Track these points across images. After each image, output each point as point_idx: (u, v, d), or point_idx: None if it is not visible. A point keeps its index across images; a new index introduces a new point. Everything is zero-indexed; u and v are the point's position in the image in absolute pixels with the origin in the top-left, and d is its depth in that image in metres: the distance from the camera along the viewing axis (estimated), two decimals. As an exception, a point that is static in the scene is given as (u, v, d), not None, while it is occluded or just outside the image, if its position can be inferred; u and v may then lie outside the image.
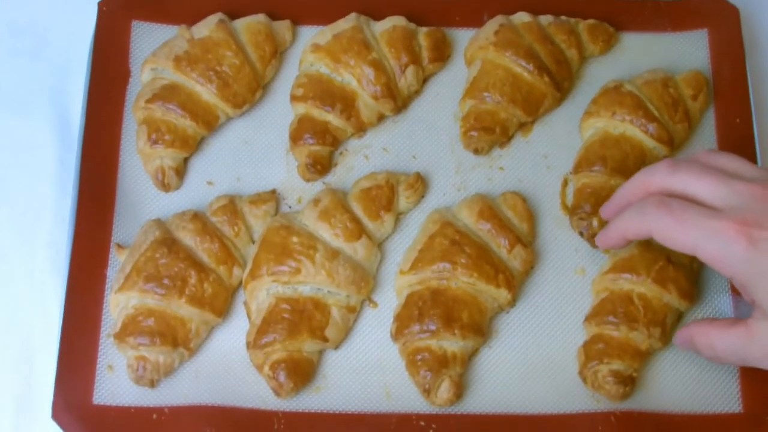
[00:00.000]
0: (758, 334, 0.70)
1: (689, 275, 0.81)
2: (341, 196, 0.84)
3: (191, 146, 0.87)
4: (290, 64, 0.92)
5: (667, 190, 0.72)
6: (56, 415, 0.78)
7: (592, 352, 0.80)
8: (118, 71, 0.90)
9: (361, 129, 0.89)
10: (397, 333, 0.80)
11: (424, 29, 0.91)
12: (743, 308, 0.82)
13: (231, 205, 0.84)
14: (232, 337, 0.82)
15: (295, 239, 0.81)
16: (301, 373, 0.79)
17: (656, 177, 0.72)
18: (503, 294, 0.80)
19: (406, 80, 0.88)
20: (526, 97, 0.87)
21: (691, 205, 0.69)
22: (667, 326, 0.80)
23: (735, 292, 0.83)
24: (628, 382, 0.78)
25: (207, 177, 0.88)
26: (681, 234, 0.68)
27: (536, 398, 0.80)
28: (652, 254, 0.81)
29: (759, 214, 0.67)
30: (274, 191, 0.87)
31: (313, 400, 0.80)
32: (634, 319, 0.79)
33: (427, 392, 0.78)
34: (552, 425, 0.79)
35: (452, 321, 0.78)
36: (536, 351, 0.82)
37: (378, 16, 0.91)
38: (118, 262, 0.83)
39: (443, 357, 0.78)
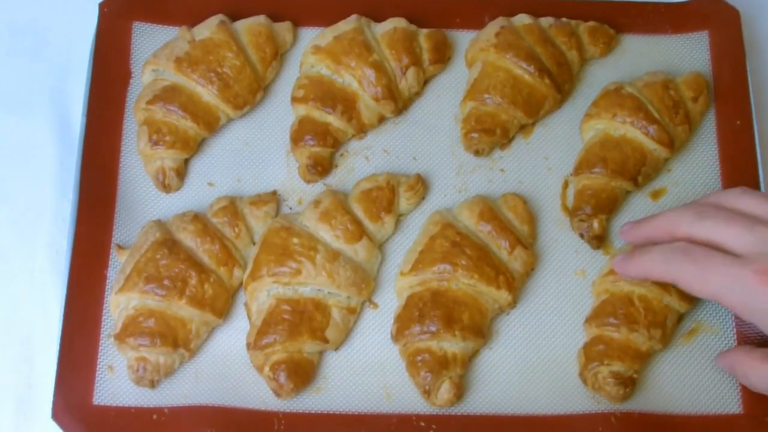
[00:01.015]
0: None
1: None
2: (342, 198, 0.84)
3: (192, 147, 0.87)
4: (291, 65, 0.92)
5: (692, 236, 0.74)
6: (56, 416, 0.78)
7: (593, 353, 0.79)
8: (119, 72, 0.90)
9: (361, 130, 0.89)
10: (398, 334, 0.80)
11: (424, 31, 0.91)
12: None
13: (232, 207, 0.84)
14: (232, 338, 0.82)
15: (295, 240, 0.81)
16: (302, 374, 0.79)
17: (684, 223, 0.75)
18: (504, 295, 0.80)
19: (407, 82, 0.88)
20: (527, 99, 0.87)
21: (715, 253, 0.71)
22: (667, 328, 0.80)
23: None
24: (629, 384, 0.78)
25: (208, 178, 0.88)
26: (704, 284, 0.71)
27: (536, 399, 0.80)
28: None
29: None
30: (274, 192, 0.87)
31: (313, 401, 0.80)
32: (635, 320, 0.79)
33: (427, 393, 0.78)
34: (552, 426, 0.79)
35: (453, 322, 0.78)
36: (536, 352, 0.82)
37: (379, 18, 0.91)
38: (118, 263, 0.83)
39: (443, 358, 0.78)
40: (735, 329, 0.82)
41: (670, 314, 0.80)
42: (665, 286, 0.79)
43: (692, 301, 0.81)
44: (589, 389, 0.80)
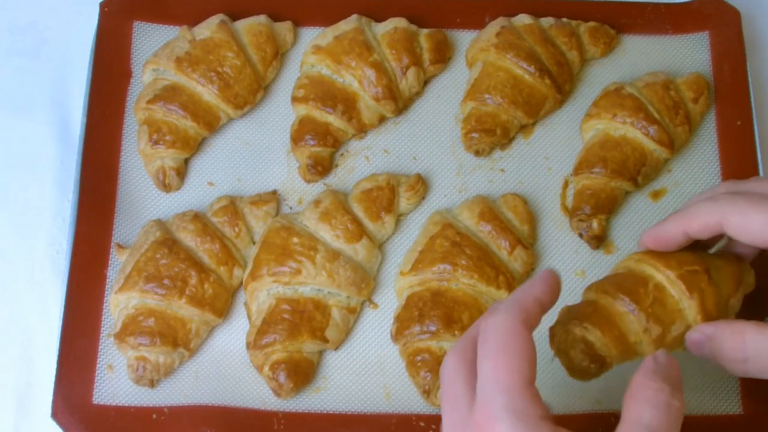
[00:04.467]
0: None
1: (720, 301, 0.67)
2: (342, 198, 0.84)
3: (192, 147, 0.87)
4: (291, 65, 0.92)
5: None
6: (56, 415, 0.78)
7: (576, 311, 0.67)
8: (120, 72, 0.90)
9: (362, 130, 0.89)
10: (398, 334, 0.80)
11: (425, 31, 0.91)
12: None
13: (232, 206, 0.84)
14: (232, 338, 0.82)
15: (295, 240, 0.81)
16: (301, 373, 0.79)
17: (719, 188, 0.67)
18: (504, 295, 0.80)
19: (407, 82, 0.88)
20: (527, 99, 0.87)
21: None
22: (668, 334, 0.66)
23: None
24: (596, 361, 0.64)
25: (208, 178, 0.88)
26: (760, 214, 0.61)
27: (536, 400, 0.80)
28: (692, 257, 0.68)
29: None
30: (274, 192, 0.87)
31: (313, 401, 0.80)
32: (639, 302, 0.65)
33: (426, 393, 0.78)
34: (552, 427, 0.79)
35: (452, 322, 0.78)
36: (537, 352, 0.82)
37: (379, 18, 0.91)
38: (118, 263, 0.83)
39: (443, 358, 0.78)
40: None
41: (679, 321, 0.66)
42: (691, 290, 0.66)
43: (711, 315, 0.66)
44: (552, 347, 0.66)
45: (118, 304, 0.81)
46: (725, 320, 0.65)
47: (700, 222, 0.63)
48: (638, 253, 0.69)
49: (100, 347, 0.81)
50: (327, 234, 0.82)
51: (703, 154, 0.89)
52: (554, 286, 0.61)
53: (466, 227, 0.83)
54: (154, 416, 0.79)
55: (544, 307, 0.60)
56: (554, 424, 0.54)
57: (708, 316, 0.65)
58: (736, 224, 0.62)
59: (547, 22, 0.91)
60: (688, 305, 0.66)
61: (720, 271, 0.67)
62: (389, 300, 0.83)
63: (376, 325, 0.83)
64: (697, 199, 0.67)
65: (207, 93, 0.87)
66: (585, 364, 0.64)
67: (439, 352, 0.78)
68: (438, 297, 0.80)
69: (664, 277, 0.66)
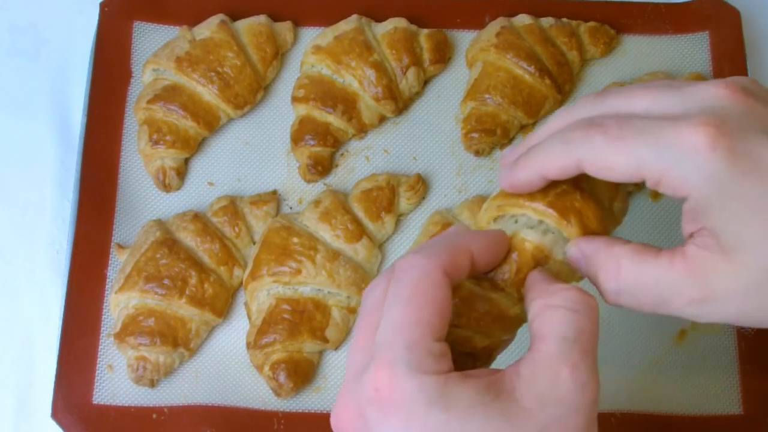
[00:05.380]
0: (701, 270, 0.49)
1: (601, 213, 0.56)
2: (342, 198, 0.84)
3: (192, 147, 0.87)
4: (291, 65, 0.92)
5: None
6: (56, 415, 0.78)
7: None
8: (120, 72, 0.90)
9: (362, 130, 0.89)
10: (398, 334, 0.80)
11: (425, 31, 0.91)
12: None
13: (232, 206, 0.84)
14: (232, 338, 0.82)
15: (295, 240, 0.81)
16: (301, 373, 0.79)
17: (579, 109, 0.55)
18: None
19: (407, 82, 0.88)
20: (528, 99, 0.87)
21: (633, 117, 0.51)
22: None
23: None
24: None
25: (208, 178, 0.88)
26: (618, 154, 0.50)
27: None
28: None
29: (739, 119, 0.49)
30: (274, 192, 0.87)
31: (313, 400, 0.80)
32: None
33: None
34: (552, 427, 0.79)
35: (453, 322, 0.78)
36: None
37: (379, 18, 0.91)
38: (118, 263, 0.83)
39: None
40: (735, 329, 0.82)
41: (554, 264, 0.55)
42: (565, 214, 0.54)
43: (597, 232, 0.55)
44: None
45: (118, 304, 0.81)
46: (605, 238, 0.54)
47: (557, 165, 0.53)
48: (498, 196, 0.58)
49: (100, 347, 0.81)
50: (327, 234, 0.82)
51: (703, 154, 0.89)
52: (497, 246, 0.53)
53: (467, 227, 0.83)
54: (154, 416, 0.79)
55: (476, 266, 0.52)
56: (462, 378, 0.47)
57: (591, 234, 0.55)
58: (595, 168, 0.51)
59: (547, 22, 0.91)
60: (569, 232, 0.54)
61: (591, 179, 0.55)
62: (389, 300, 0.83)
63: (376, 325, 0.82)
64: (555, 127, 0.55)
65: (207, 93, 0.87)
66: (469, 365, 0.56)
67: (439, 352, 0.78)
68: (438, 297, 0.80)
69: (531, 211, 0.55)
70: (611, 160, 0.50)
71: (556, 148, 0.53)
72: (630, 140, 0.50)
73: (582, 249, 0.54)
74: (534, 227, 0.55)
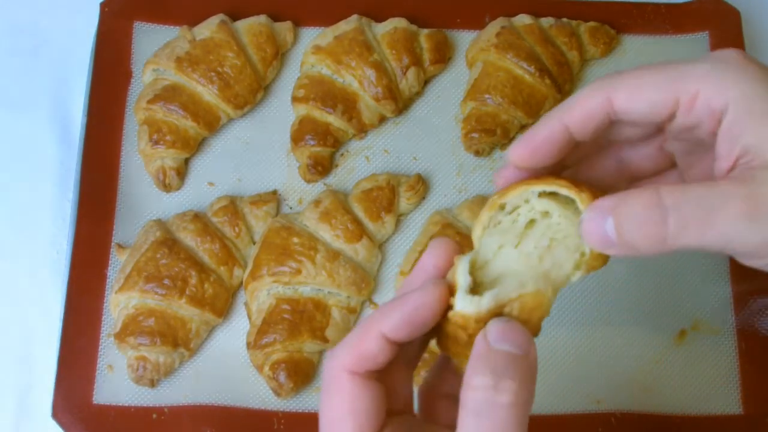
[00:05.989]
0: (750, 182, 0.46)
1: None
2: (342, 198, 0.84)
3: (192, 147, 0.87)
4: (291, 65, 0.92)
5: None
6: (56, 415, 0.78)
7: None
8: (120, 72, 0.90)
9: (362, 130, 0.89)
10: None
11: (425, 31, 0.91)
12: None
13: (232, 206, 0.84)
14: (232, 338, 0.82)
15: (295, 240, 0.81)
16: (301, 373, 0.79)
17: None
18: (504, 295, 0.79)
19: (407, 82, 0.88)
20: (527, 99, 0.87)
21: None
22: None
23: None
24: None
25: (208, 177, 0.88)
26: (652, 73, 0.49)
27: (535, 399, 0.80)
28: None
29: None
30: (275, 192, 0.87)
31: (313, 400, 0.80)
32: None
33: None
34: (551, 426, 0.79)
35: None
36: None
37: (379, 18, 0.91)
38: (118, 263, 0.83)
39: None
40: (735, 329, 0.82)
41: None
42: (575, 183, 0.51)
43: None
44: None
45: (118, 303, 0.81)
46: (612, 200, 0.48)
47: (583, 108, 0.49)
48: (496, 194, 0.53)
49: (100, 347, 0.81)
50: (327, 234, 0.82)
51: (703, 154, 0.89)
52: (416, 313, 0.49)
53: (467, 227, 0.83)
54: (154, 416, 0.79)
55: (394, 343, 0.49)
56: None
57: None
58: (628, 97, 0.49)
59: (547, 22, 0.91)
60: (581, 198, 0.49)
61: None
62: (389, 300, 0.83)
63: (376, 325, 0.82)
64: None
65: (207, 93, 0.87)
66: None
67: (438, 350, 0.78)
68: (438, 297, 0.79)
69: (542, 184, 0.50)
70: (645, 80, 0.48)
71: (581, 92, 0.50)
72: (661, 65, 0.48)
73: (601, 206, 0.47)
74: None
